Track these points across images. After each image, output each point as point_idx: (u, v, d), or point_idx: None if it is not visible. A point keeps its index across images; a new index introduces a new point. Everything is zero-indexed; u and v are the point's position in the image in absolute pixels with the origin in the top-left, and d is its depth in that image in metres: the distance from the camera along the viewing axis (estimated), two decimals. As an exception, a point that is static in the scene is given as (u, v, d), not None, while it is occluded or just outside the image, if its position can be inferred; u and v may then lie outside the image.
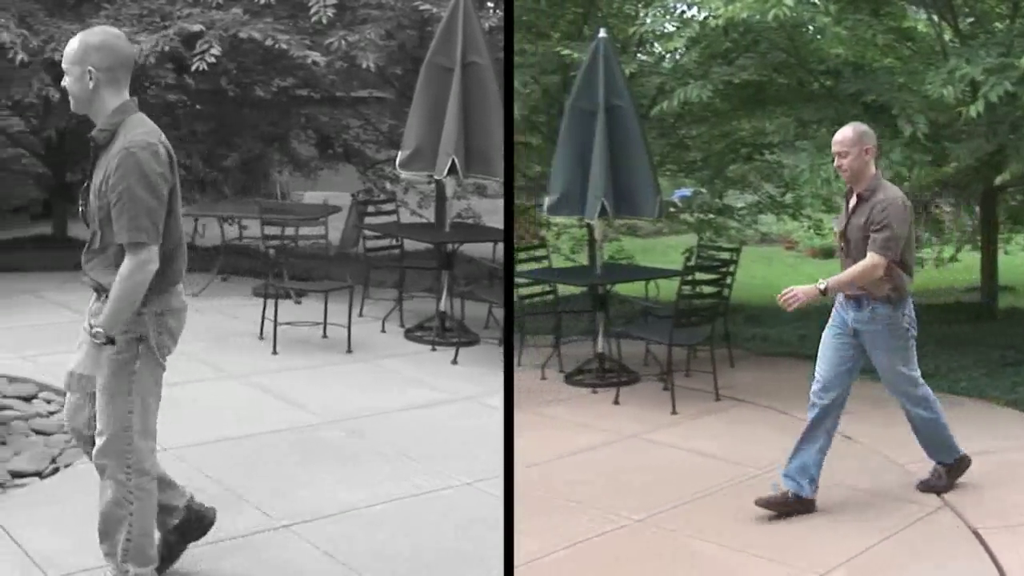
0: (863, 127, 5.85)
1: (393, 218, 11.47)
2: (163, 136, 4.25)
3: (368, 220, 11.31)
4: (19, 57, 11.12)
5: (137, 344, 4.25)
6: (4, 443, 6.55)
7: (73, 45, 4.21)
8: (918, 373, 6.05)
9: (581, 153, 8.73)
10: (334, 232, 12.45)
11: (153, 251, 4.11)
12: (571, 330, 10.07)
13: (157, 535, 4.64)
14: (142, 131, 4.16)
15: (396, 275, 10.94)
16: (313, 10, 10.66)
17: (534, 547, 5.45)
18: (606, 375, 8.97)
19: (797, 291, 5.69)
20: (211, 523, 4.93)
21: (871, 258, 5.69)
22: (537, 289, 9.71)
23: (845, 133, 5.80)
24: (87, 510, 5.54)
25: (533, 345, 9.91)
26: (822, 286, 5.70)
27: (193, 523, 4.85)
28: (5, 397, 7.44)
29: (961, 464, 6.28)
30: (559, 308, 9.90)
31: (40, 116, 14.70)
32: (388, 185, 15.74)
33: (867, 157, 5.77)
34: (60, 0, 12.67)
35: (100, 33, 4.25)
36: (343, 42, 9.80)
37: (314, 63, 11.18)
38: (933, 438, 6.22)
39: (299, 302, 10.86)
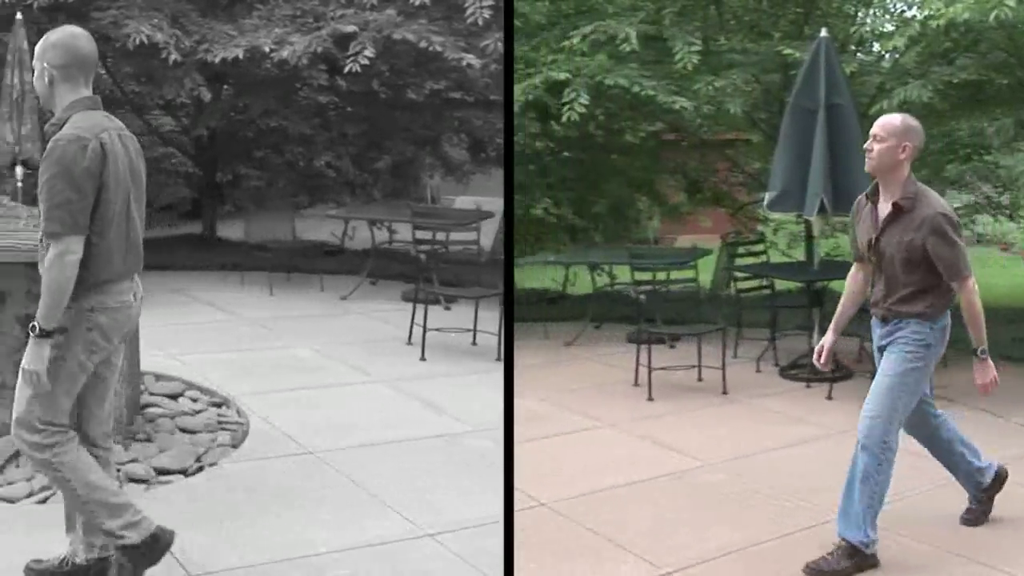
0: (914, 122, 5.20)
1: (763, 258, 11.33)
2: (114, 133, 4.35)
3: (738, 262, 11.17)
4: (172, 57, 11.33)
5: (60, 336, 4.22)
6: (150, 440, 6.61)
7: (38, 43, 4.41)
8: (929, 394, 5.50)
9: (801, 150, 8.73)
10: (484, 239, 12.40)
11: (70, 242, 4.11)
12: (787, 324, 10.11)
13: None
14: (81, 126, 4.22)
15: (768, 314, 10.75)
16: (469, 11, 10.63)
17: (737, 537, 5.48)
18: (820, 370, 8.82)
19: (987, 382, 5.28)
20: (166, 546, 4.56)
21: (966, 284, 5.12)
22: (754, 283, 10.08)
23: (892, 120, 5.17)
24: (230, 509, 5.59)
25: (749, 338, 10.03)
26: (982, 354, 5.27)
27: (142, 548, 4.49)
28: (152, 394, 7.52)
29: (999, 479, 5.75)
30: (775, 303, 10.13)
31: (191, 116, 15.02)
32: (758, 227, 15.56)
33: (903, 155, 5.09)
34: (213, 0, 12.93)
35: (59, 32, 4.44)
36: (710, 87, 9.80)
37: (468, 65, 11.16)
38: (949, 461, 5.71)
39: (448, 308, 10.83)
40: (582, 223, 14.20)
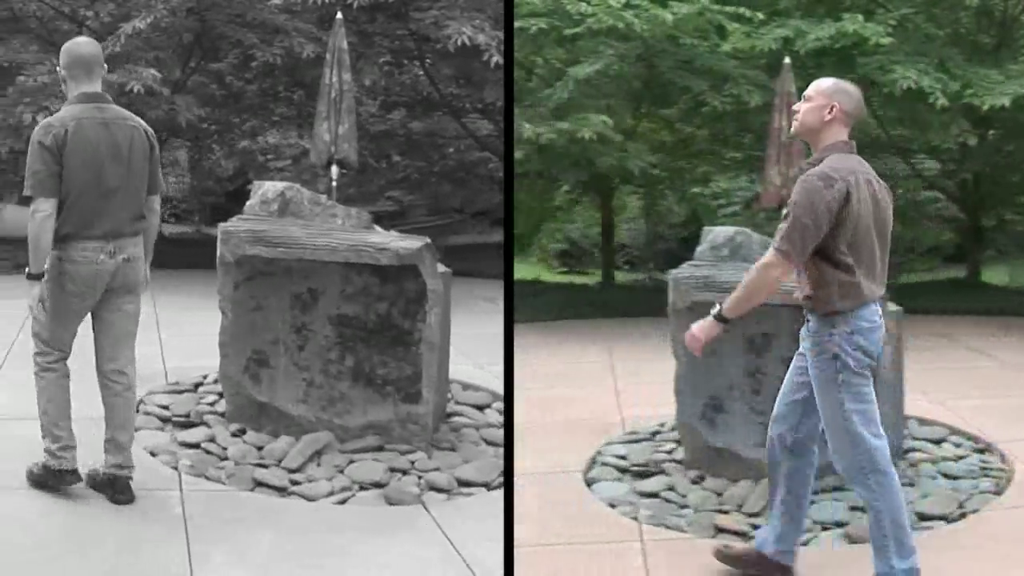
0: (848, 86, 4.82)
1: None
2: (86, 119, 5.44)
3: None
4: (939, 102, 11.40)
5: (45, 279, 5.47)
6: (454, 450, 6.66)
7: None
8: (867, 432, 4.66)
9: None
10: None
11: (39, 203, 5.32)
12: None
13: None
14: (62, 116, 5.48)
15: None
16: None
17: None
18: None
19: (694, 331, 4.80)
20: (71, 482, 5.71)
21: (765, 256, 4.62)
22: None
23: (824, 80, 4.83)
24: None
25: None
26: (714, 310, 4.78)
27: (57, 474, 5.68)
28: (459, 403, 7.59)
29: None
30: None
31: (956, 160, 15.13)
32: None
33: (828, 116, 4.69)
34: (978, 45, 13.14)
35: (70, 42, 5.67)
36: None
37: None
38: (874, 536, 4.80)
39: None
40: None
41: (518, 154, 11.53)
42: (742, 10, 11.80)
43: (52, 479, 5.66)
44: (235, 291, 6.68)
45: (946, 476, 6.53)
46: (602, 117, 11.64)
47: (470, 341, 9.18)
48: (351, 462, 6.33)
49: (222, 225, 6.76)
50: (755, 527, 5.62)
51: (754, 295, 4.68)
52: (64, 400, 5.67)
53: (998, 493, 6.27)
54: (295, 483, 6.05)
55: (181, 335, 9.37)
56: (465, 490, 6.16)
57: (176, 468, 6.16)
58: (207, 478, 6.08)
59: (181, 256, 14.11)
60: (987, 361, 10.33)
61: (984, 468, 6.69)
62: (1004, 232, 16.66)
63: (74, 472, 5.67)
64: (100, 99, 5.58)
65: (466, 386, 8.00)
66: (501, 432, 7.08)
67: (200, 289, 10.44)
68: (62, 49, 5.62)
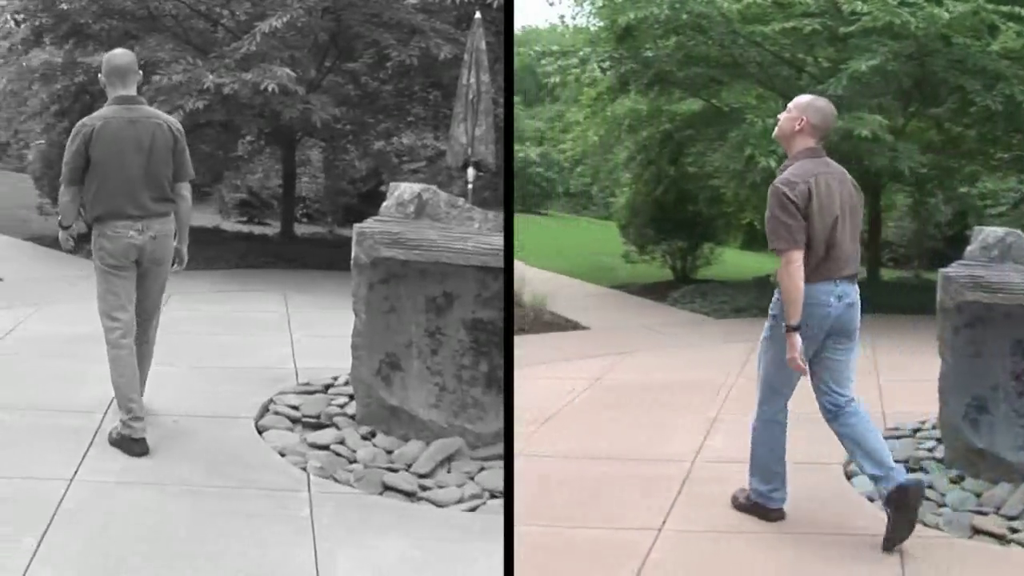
0: (822, 103, 5.72)
1: None
2: (114, 118, 6.41)
3: None
4: None
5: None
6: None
7: None
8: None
9: None
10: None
11: (63, 190, 6.55)
12: None
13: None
14: (93, 114, 6.55)
15: None
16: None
17: None
18: None
19: (790, 353, 5.47)
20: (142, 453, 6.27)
21: (781, 258, 5.49)
22: None
23: (801, 97, 5.80)
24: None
25: None
26: (784, 325, 5.48)
27: (125, 442, 6.32)
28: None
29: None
30: None
31: None
32: None
33: (797, 127, 5.62)
34: None
35: (108, 54, 6.67)
36: None
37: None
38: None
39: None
40: None
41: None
42: (1017, 9, 11.74)
43: (125, 445, 6.27)
44: (369, 292, 6.67)
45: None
46: (877, 117, 11.82)
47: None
48: (482, 469, 6.29)
49: (357, 226, 6.75)
50: (1013, 530, 5.62)
51: (793, 295, 5.39)
52: (132, 374, 6.43)
53: None
54: (424, 488, 6.02)
55: (313, 336, 9.42)
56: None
57: (305, 469, 6.16)
58: (336, 480, 6.07)
59: (314, 256, 14.25)
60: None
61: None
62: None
63: (141, 441, 6.28)
64: (131, 101, 6.54)
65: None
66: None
67: (333, 290, 10.51)
68: (102, 59, 6.68)
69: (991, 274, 6.31)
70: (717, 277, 16.86)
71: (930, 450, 6.78)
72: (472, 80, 10.18)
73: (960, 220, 18.33)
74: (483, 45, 10.31)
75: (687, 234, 17.14)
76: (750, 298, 13.75)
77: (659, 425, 7.65)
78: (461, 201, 7.13)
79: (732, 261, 18.94)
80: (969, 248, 6.64)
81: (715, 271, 17.44)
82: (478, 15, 10.58)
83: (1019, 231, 6.67)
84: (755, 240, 20.63)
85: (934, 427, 6.99)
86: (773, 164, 10.80)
